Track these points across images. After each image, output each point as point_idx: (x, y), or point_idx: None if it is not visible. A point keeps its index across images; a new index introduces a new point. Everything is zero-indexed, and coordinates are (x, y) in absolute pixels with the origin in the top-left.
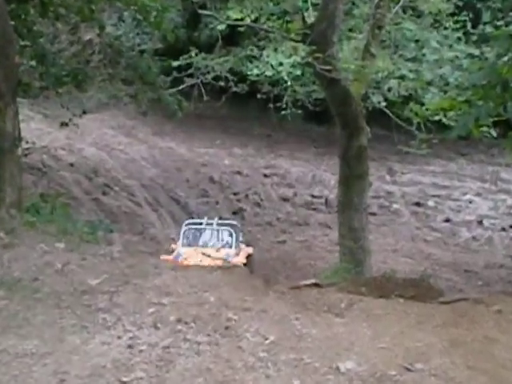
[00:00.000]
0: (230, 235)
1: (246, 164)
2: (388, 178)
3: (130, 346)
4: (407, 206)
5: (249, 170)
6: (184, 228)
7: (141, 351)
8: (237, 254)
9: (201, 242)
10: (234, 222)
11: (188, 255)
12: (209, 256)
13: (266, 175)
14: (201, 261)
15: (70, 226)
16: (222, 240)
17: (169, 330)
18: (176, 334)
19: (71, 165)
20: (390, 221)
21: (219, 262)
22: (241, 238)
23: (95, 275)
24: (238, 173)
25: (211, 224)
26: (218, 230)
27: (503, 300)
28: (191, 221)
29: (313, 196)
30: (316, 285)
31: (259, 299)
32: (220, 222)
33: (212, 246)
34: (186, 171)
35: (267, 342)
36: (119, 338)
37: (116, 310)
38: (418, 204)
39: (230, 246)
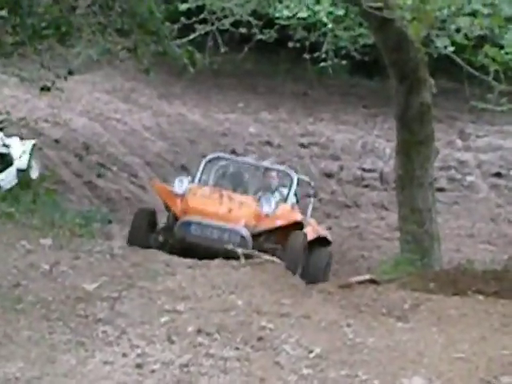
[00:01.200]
0: (287, 186)
1: (277, 132)
2: (459, 143)
3: (138, 366)
4: (485, 177)
5: (281, 140)
6: (205, 162)
7: (152, 371)
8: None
9: (232, 185)
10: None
11: (199, 193)
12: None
13: (303, 145)
14: (216, 205)
15: (57, 218)
16: (270, 188)
17: (187, 344)
18: (196, 349)
19: (56, 141)
20: (464, 197)
21: (247, 212)
22: (309, 212)
23: (92, 278)
24: (268, 143)
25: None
26: (266, 172)
27: None
28: (218, 154)
29: (364, 170)
30: (372, 281)
31: (300, 302)
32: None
33: (250, 194)
34: (202, 143)
35: (312, 355)
36: (125, 355)
37: (119, 321)
38: (498, 175)
39: (284, 200)
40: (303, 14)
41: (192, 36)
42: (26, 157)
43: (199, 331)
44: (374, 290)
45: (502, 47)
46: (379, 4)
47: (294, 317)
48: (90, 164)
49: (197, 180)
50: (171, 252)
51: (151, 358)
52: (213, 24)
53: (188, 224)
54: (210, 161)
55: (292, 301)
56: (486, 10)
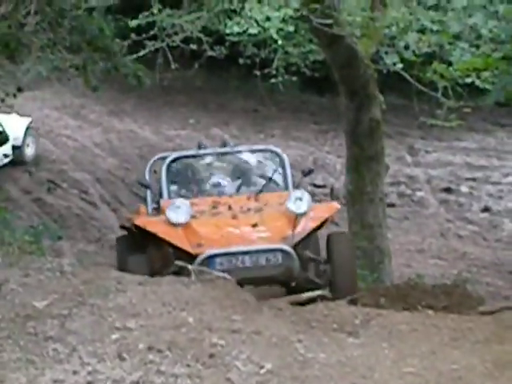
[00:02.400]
0: (277, 170)
1: None
2: (409, 158)
3: (89, 383)
4: (435, 193)
5: None
6: (166, 168)
7: None
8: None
9: (211, 187)
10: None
11: (201, 209)
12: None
13: None
14: (234, 222)
15: (6, 235)
16: (261, 177)
17: (138, 361)
18: (147, 366)
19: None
20: (414, 213)
21: (276, 219)
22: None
23: (42, 295)
24: None
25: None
26: (247, 156)
27: None
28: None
29: (314, 185)
30: (323, 297)
31: (251, 318)
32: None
33: (239, 194)
34: None
35: (263, 371)
36: (75, 373)
37: (70, 339)
38: (448, 190)
39: (285, 188)
40: (253, 31)
41: (142, 52)
42: (21, 134)
43: (150, 348)
44: (325, 306)
45: (450, 64)
46: (329, 21)
47: (245, 333)
48: (39, 180)
49: (165, 195)
50: None
51: (102, 376)
52: (163, 40)
53: (211, 259)
54: (173, 161)
55: (243, 317)
56: (434, 27)
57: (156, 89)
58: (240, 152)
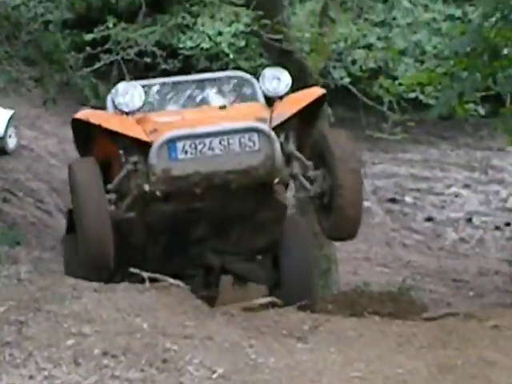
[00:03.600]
0: (248, 87)
1: None
2: None
3: None
4: (380, 203)
5: None
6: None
7: None
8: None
9: (183, 103)
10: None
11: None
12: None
13: None
14: (200, 112)
15: None
16: (230, 93)
17: (93, 366)
18: (102, 371)
19: None
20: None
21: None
22: None
23: None
24: None
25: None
26: (214, 81)
27: (500, 313)
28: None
29: None
30: (273, 304)
31: (203, 324)
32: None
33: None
34: None
35: (215, 375)
36: (32, 377)
37: (26, 344)
38: (393, 200)
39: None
40: (206, 45)
41: (97, 65)
42: (3, 125)
43: (105, 353)
44: (276, 312)
45: (395, 79)
46: (279, 36)
47: (198, 338)
48: None
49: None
50: (149, 229)
51: (58, 381)
52: (118, 54)
53: (172, 143)
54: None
55: (195, 323)
56: (380, 44)
57: None
58: (204, 80)
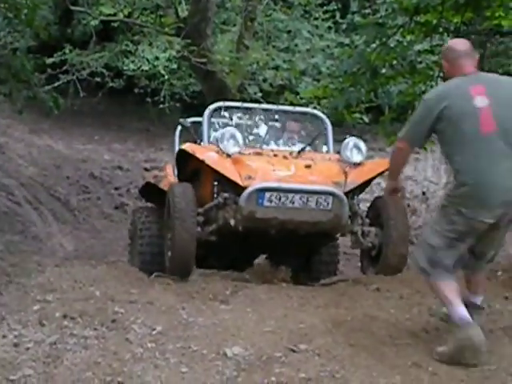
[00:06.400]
0: (320, 132)
1: (126, 159)
2: None
3: (15, 345)
4: None
5: (129, 165)
6: (208, 115)
7: (27, 349)
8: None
9: (253, 138)
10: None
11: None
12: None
13: (146, 169)
14: (286, 163)
15: None
16: (301, 137)
17: (55, 327)
18: (62, 330)
19: None
20: None
21: (330, 165)
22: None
23: None
24: (119, 168)
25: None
26: (290, 118)
27: (380, 279)
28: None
29: None
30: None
31: (145, 291)
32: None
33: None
34: (66, 168)
35: (154, 332)
36: (4, 337)
37: (0, 310)
38: None
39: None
40: (145, 67)
41: (56, 84)
42: None
43: (65, 316)
44: (204, 281)
45: (297, 93)
46: (204, 60)
47: (141, 303)
48: None
49: (205, 140)
50: (223, 242)
51: (26, 339)
52: (73, 74)
53: (261, 193)
54: (215, 111)
55: (139, 290)
56: (285, 65)
57: (68, 112)
58: (283, 112)
